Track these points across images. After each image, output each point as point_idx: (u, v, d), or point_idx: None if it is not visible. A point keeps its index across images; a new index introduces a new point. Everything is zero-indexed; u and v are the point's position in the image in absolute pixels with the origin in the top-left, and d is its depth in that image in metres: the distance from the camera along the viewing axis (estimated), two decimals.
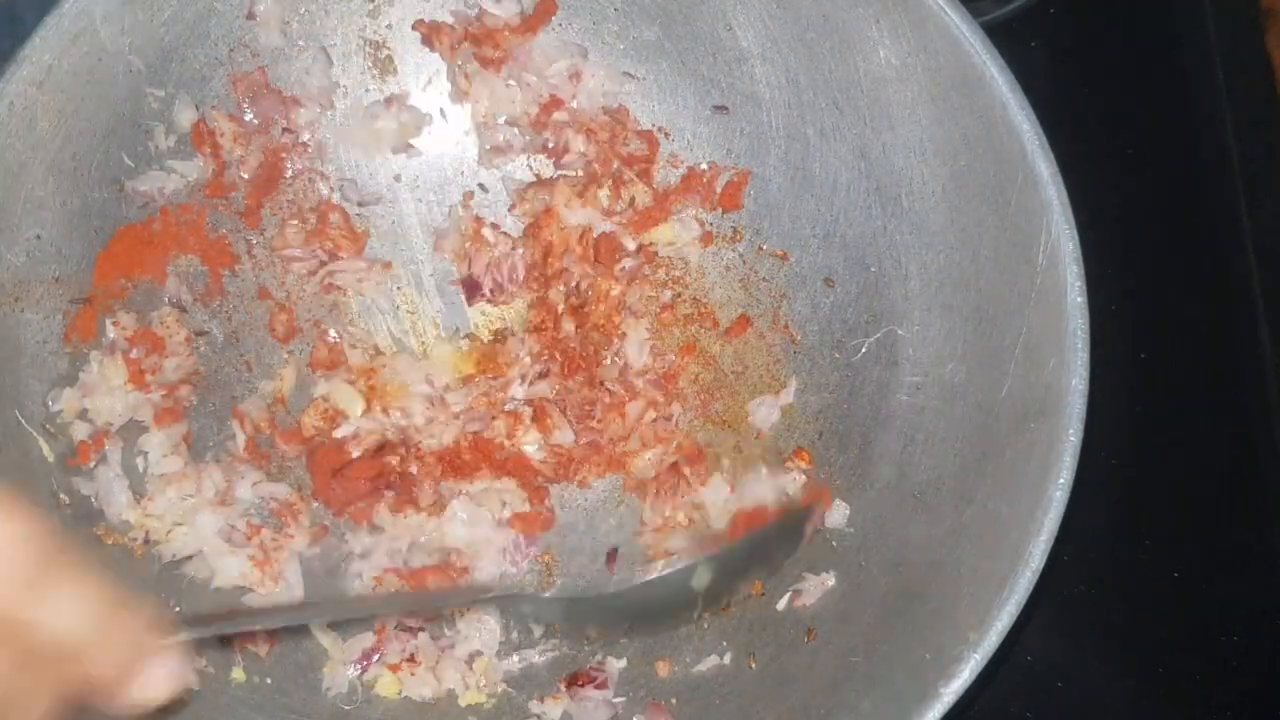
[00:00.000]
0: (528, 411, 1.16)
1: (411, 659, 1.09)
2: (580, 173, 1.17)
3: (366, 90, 1.16)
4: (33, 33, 0.99)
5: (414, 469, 1.13)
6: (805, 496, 1.12)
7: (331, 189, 1.16)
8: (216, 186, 1.12)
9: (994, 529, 0.97)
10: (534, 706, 1.08)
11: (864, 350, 1.13)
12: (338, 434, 1.14)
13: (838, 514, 1.11)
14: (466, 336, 1.19)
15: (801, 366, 1.17)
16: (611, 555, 1.15)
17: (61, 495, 1.03)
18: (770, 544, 1.10)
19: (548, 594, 1.12)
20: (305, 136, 1.14)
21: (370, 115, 1.16)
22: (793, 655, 1.06)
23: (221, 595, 1.08)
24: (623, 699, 1.08)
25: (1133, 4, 1.40)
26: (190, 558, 1.08)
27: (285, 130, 1.13)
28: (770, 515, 1.12)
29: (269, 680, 1.06)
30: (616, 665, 1.09)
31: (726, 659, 1.09)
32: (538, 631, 1.12)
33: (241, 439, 1.12)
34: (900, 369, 1.11)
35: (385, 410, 1.14)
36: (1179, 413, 1.30)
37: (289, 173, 1.15)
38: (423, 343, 1.19)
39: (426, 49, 1.15)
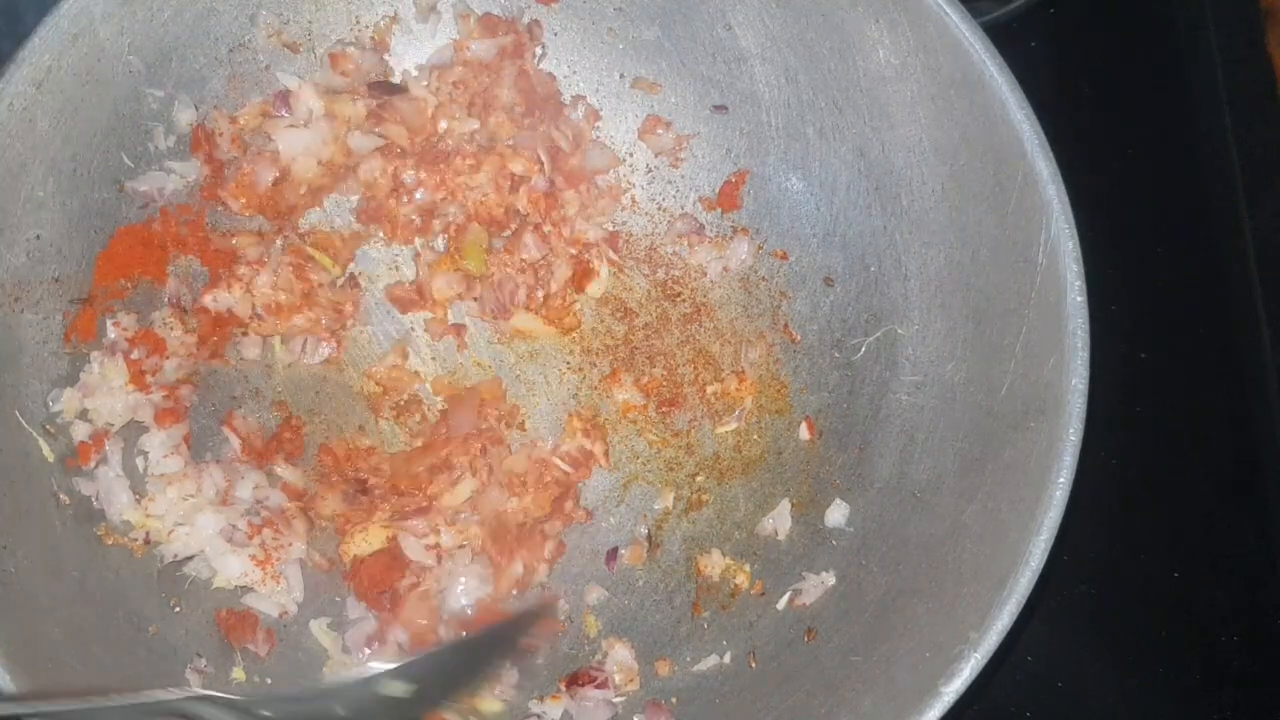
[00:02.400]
0: None
1: None
2: None
3: None
4: (32, 33, 0.99)
5: None
6: (539, 602, 1.11)
7: None
8: (212, 191, 1.13)
9: (994, 528, 0.97)
10: (534, 706, 1.08)
11: (864, 350, 1.13)
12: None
13: (838, 513, 1.11)
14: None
15: (801, 366, 1.17)
16: (611, 555, 1.15)
17: (61, 496, 1.02)
18: (483, 651, 1.04)
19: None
20: None
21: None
22: (793, 654, 1.06)
23: (222, 595, 1.08)
24: (623, 698, 1.08)
25: (1133, 4, 1.40)
26: (191, 558, 1.08)
27: None
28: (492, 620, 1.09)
29: (269, 680, 1.06)
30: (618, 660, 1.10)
31: (727, 658, 1.09)
32: None
33: (236, 443, 1.12)
34: (900, 368, 1.11)
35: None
36: (1179, 413, 1.30)
37: None
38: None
39: None
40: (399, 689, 0.92)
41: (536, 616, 1.09)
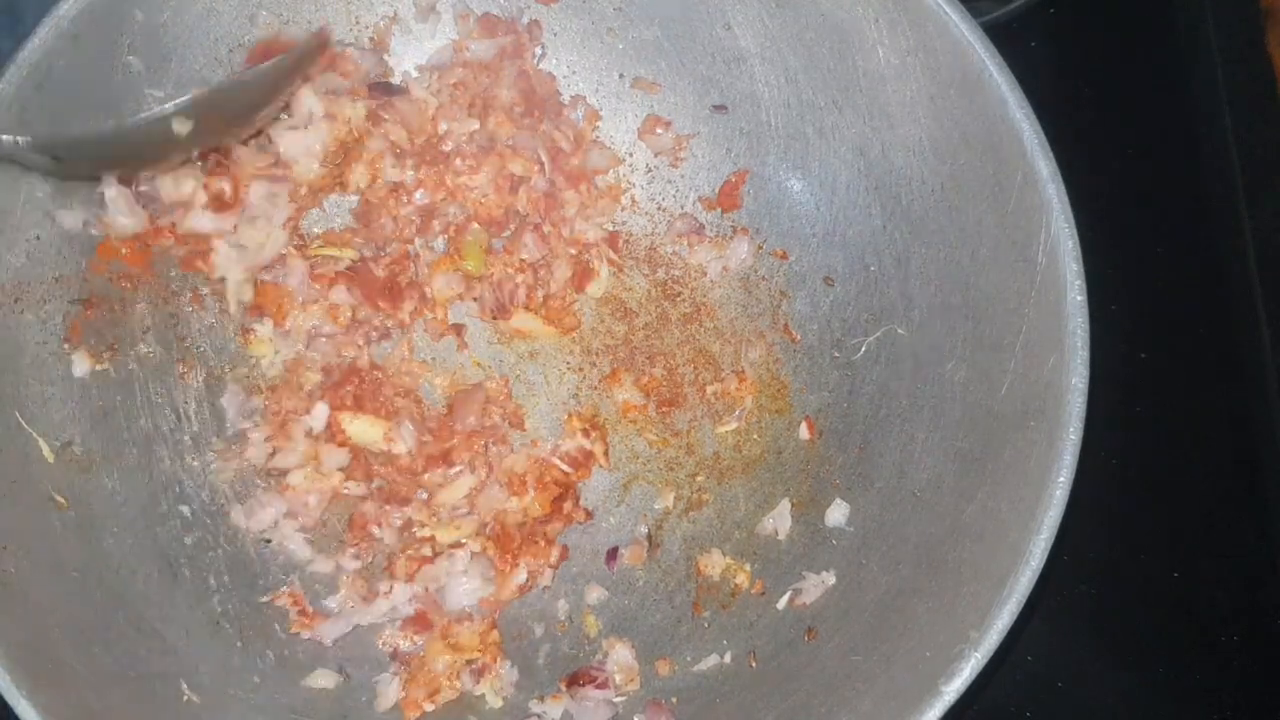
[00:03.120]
0: None
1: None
2: None
3: None
4: (32, 33, 0.99)
5: None
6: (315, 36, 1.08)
7: None
8: None
9: (994, 527, 0.97)
10: (534, 706, 1.08)
11: (864, 349, 1.13)
12: None
13: (838, 513, 1.11)
14: None
15: (801, 366, 1.17)
16: (612, 554, 1.15)
17: (58, 497, 1.02)
18: (257, 83, 1.06)
19: None
20: None
21: None
22: (793, 654, 1.06)
23: None
24: (623, 698, 1.08)
25: (1133, 4, 1.40)
26: None
27: None
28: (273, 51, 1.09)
29: (271, 680, 1.06)
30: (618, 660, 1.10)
31: (727, 658, 1.09)
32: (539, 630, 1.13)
33: None
34: (900, 368, 1.11)
35: None
36: (1179, 413, 1.30)
37: None
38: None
39: None
40: (185, 125, 0.99)
41: (314, 49, 1.08)
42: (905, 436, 1.09)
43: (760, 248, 1.18)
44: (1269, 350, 1.29)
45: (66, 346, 1.05)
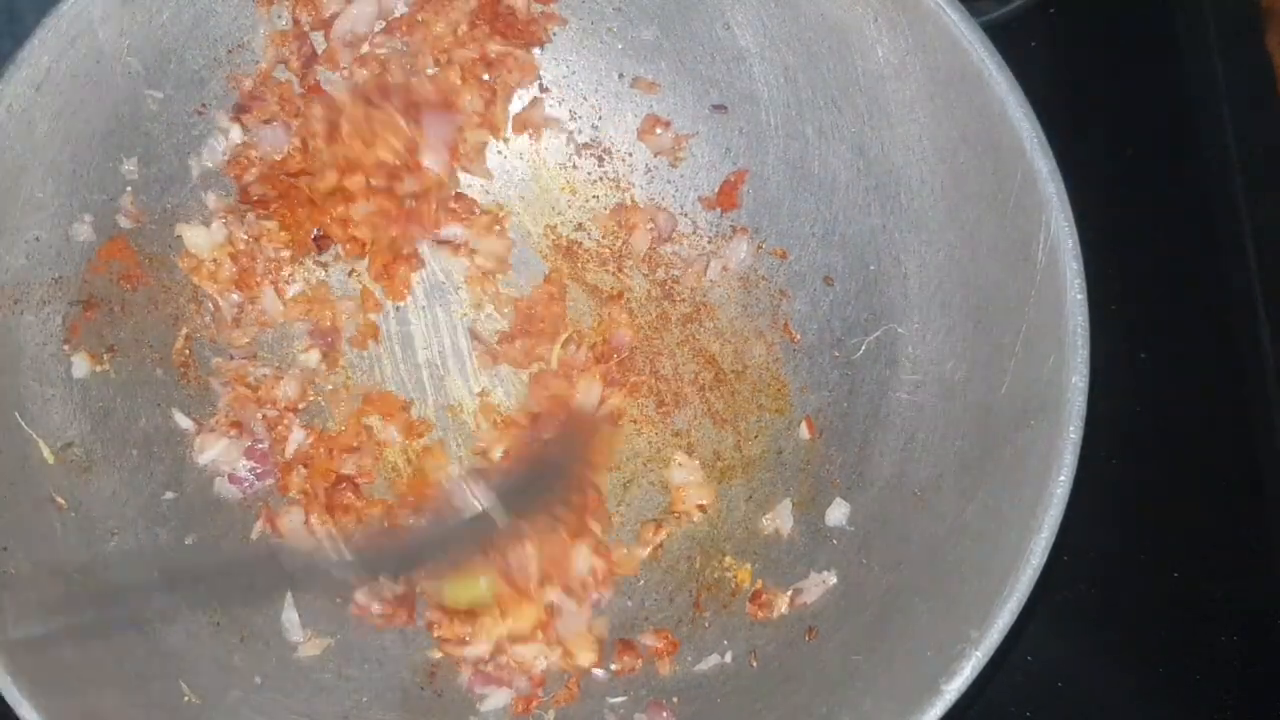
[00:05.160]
0: None
1: None
2: None
3: None
4: (31, 34, 0.99)
5: None
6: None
7: None
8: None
9: (995, 527, 0.97)
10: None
11: (864, 349, 1.13)
12: None
13: (838, 512, 1.11)
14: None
15: (801, 365, 1.17)
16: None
17: (58, 497, 1.02)
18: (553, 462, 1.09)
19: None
20: None
21: None
22: (794, 654, 1.06)
23: None
24: (624, 698, 1.08)
25: (1132, 4, 1.40)
26: None
27: None
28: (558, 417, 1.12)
29: (270, 681, 1.06)
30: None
31: (728, 658, 1.09)
32: None
33: None
34: (900, 367, 1.11)
35: None
36: (1179, 413, 1.30)
37: None
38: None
39: None
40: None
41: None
42: (905, 436, 1.09)
43: (760, 247, 1.18)
44: (1269, 350, 1.29)
45: (66, 348, 1.05)
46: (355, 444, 1.15)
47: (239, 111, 1.11)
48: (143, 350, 1.11)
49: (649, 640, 1.10)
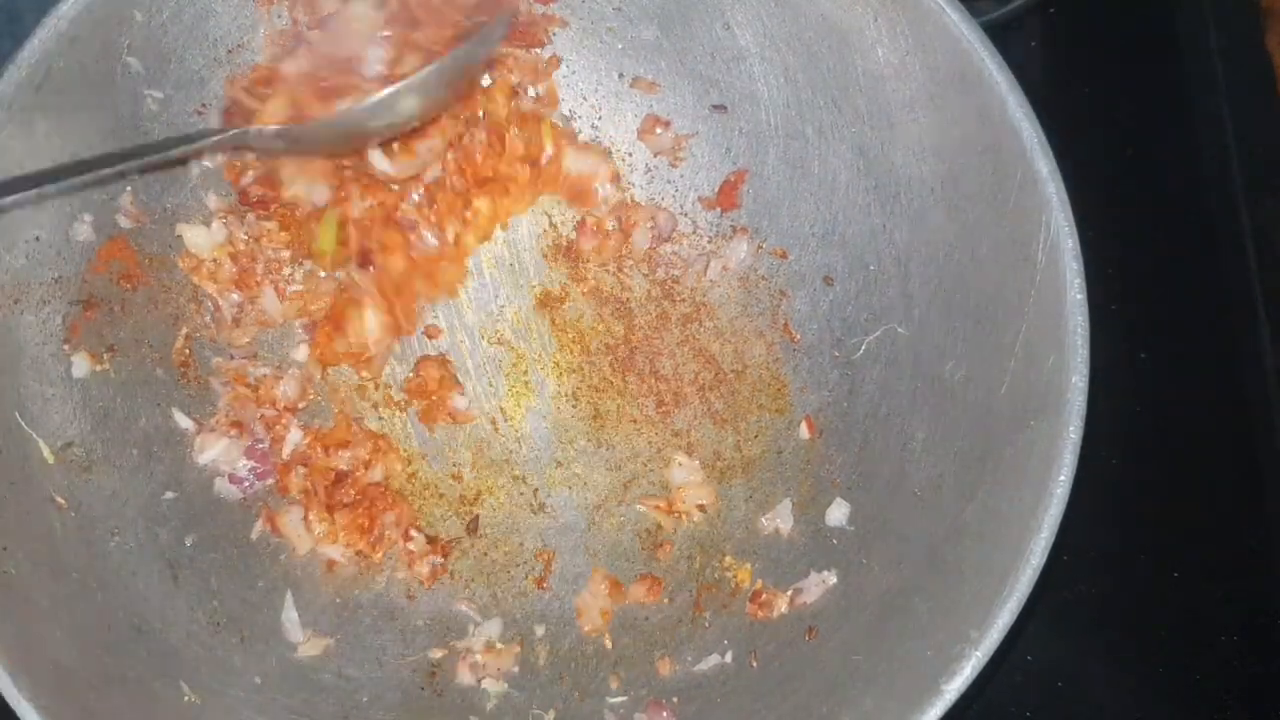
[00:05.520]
0: None
1: None
2: None
3: None
4: (31, 34, 0.99)
5: None
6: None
7: None
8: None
9: (995, 527, 0.97)
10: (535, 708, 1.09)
11: (864, 349, 1.13)
12: None
13: (838, 512, 1.11)
14: None
15: (801, 365, 1.17)
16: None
17: (58, 497, 1.02)
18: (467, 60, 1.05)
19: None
20: None
21: None
22: (794, 653, 1.06)
23: None
24: (624, 698, 1.08)
25: (1132, 4, 1.40)
26: None
27: None
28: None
29: (270, 681, 1.06)
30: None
31: (728, 657, 1.08)
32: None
33: None
34: (900, 367, 1.11)
35: None
36: (1179, 413, 1.30)
37: None
38: None
39: None
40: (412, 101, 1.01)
41: (504, 27, 1.09)
42: (905, 436, 1.09)
43: (760, 247, 1.18)
44: (1269, 350, 1.29)
45: (66, 348, 1.05)
46: (347, 438, 1.16)
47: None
48: (143, 350, 1.11)
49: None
